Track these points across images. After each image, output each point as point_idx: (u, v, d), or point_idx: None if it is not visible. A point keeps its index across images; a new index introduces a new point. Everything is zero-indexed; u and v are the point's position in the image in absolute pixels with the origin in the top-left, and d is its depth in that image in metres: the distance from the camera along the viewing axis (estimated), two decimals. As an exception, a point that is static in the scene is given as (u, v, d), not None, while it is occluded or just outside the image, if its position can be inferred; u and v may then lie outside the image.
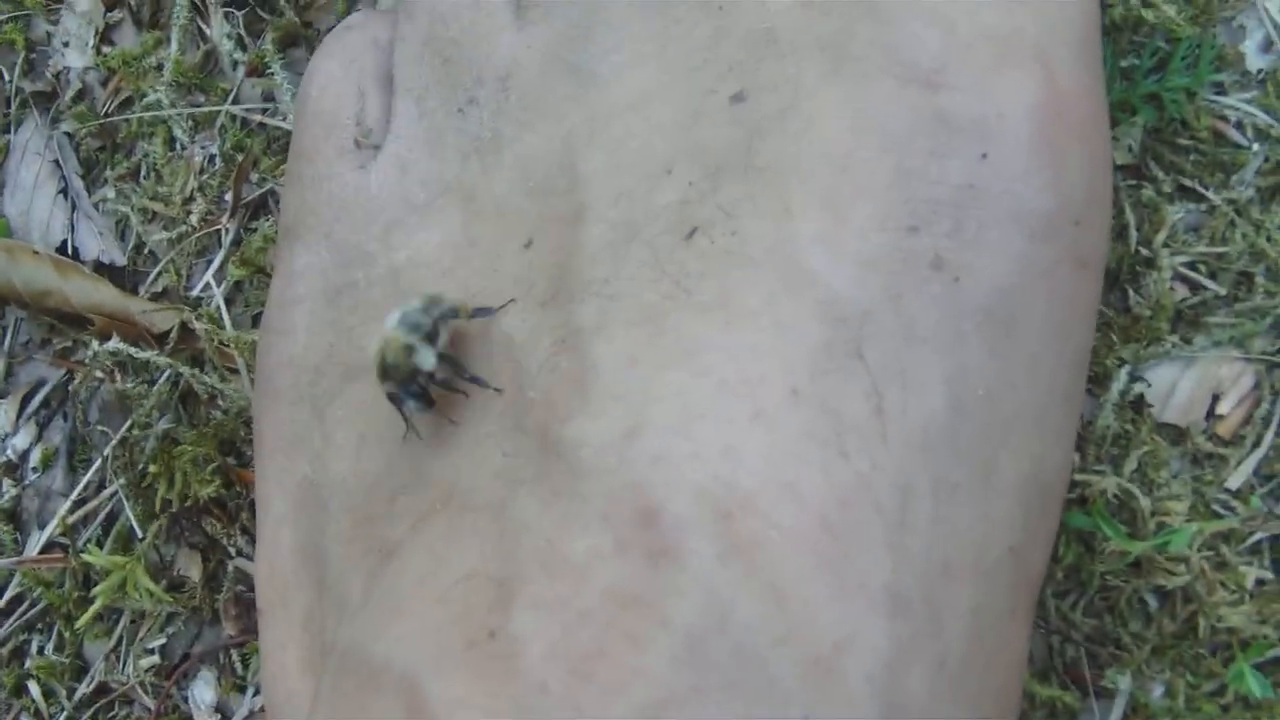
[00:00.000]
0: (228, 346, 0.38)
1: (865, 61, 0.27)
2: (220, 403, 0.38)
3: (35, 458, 0.41)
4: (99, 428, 0.40)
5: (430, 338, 0.27)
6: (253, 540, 0.38)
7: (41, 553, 0.40)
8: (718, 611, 0.23)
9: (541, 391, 0.26)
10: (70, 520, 0.40)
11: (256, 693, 0.38)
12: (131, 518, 0.39)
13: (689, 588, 0.23)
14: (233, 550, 0.38)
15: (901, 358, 0.25)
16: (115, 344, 0.38)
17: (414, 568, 0.27)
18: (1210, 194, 0.33)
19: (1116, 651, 0.33)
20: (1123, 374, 0.33)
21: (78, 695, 0.39)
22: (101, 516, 0.40)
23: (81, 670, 0.40)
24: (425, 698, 0.24)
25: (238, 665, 0.38)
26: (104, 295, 0.40)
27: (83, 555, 0.38)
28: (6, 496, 0.41)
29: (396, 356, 0.27)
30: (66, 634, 0.39)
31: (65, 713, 0.39)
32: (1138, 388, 0.33)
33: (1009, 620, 0.26)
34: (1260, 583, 0.33)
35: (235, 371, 0.38)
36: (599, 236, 0.28)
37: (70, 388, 0.41)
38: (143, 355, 0.38)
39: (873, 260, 0.25)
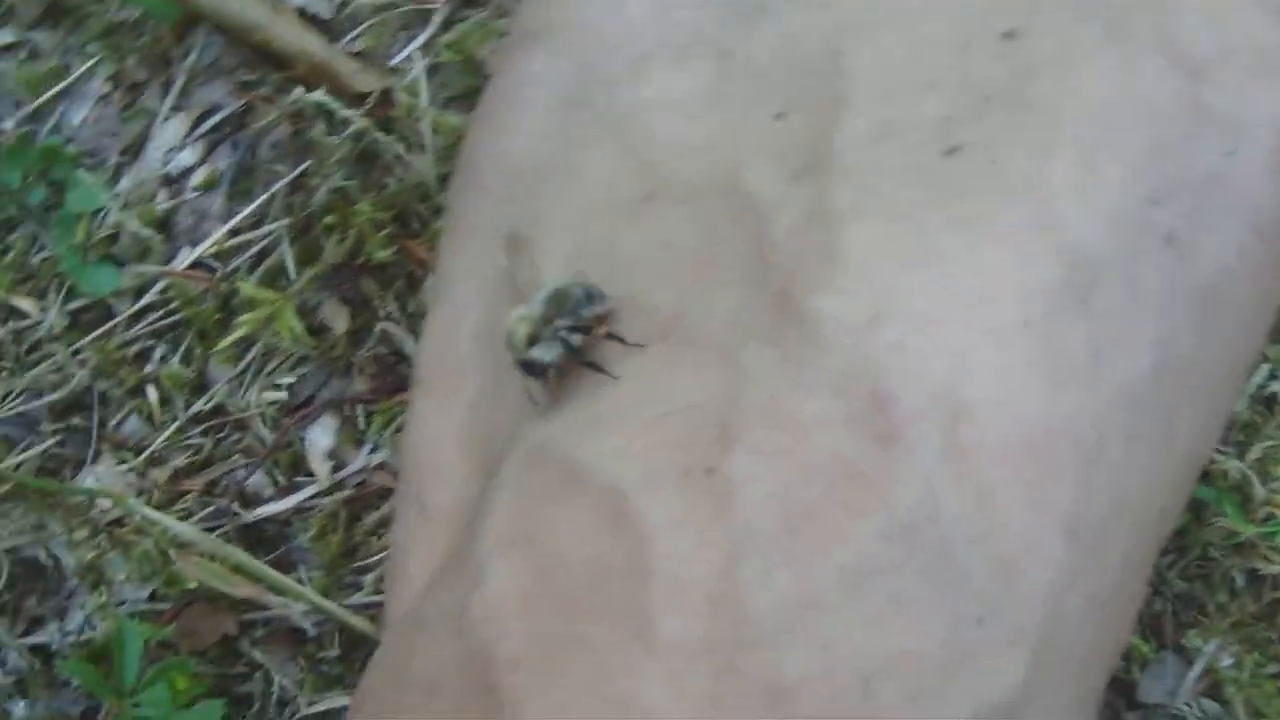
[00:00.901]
0: (419, 120, 0.39)
1: (1140, 38, 0.28)
2: (398, 173, 0.39)
3: (198, 177, 0.41)
4: (270, 165, 0.41)
5: (565, 329, 0.28)
6: (404, 309, 0.39)
7: (189, 268, 0.40)
8: (929, 502, 0.24)
9: (787, 258, 0.27)
10: (224, 246, 0.40)
11: (374, 449, 0.39)
12: (288, 259, 0.40)
13: (909, 475, 0.24)
14: (382, 314, 0.39)
15: (1122, 315, 0.26)
16: (321, 95, 0.39)
17: (626, 387, 0.28)
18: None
19: (1200, 617, 0.35)
20: (1264, 370, 0.35)
21: (194, 409, 0.40)
22: (253, 251, 0.40)
23: (201, 389, 0.41)
24: (632, 514, 0.25)
25: (360, 420, 0.39)
26: (311, 43, 0.40)
27: (236, 282, 0.39)
28: (161, 206, 0.41)
29: (522, 341, 0.28)
30: (197, 350, 0.40)
31: (178, 423, 0.40)
32: (1274, 385, 0.35)
33: (1142, 571, 0.29)
34: (1346, 587, 0.35)
35: (423, 148, 0.39)
36: (860, 128, 0.29)
37: (246, 120, 0.42)
38: (344, 111, 0.39)
39: (1116, 220, 0.26)
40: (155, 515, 0.38)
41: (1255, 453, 0.35)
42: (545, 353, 0.28)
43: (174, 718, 0.37)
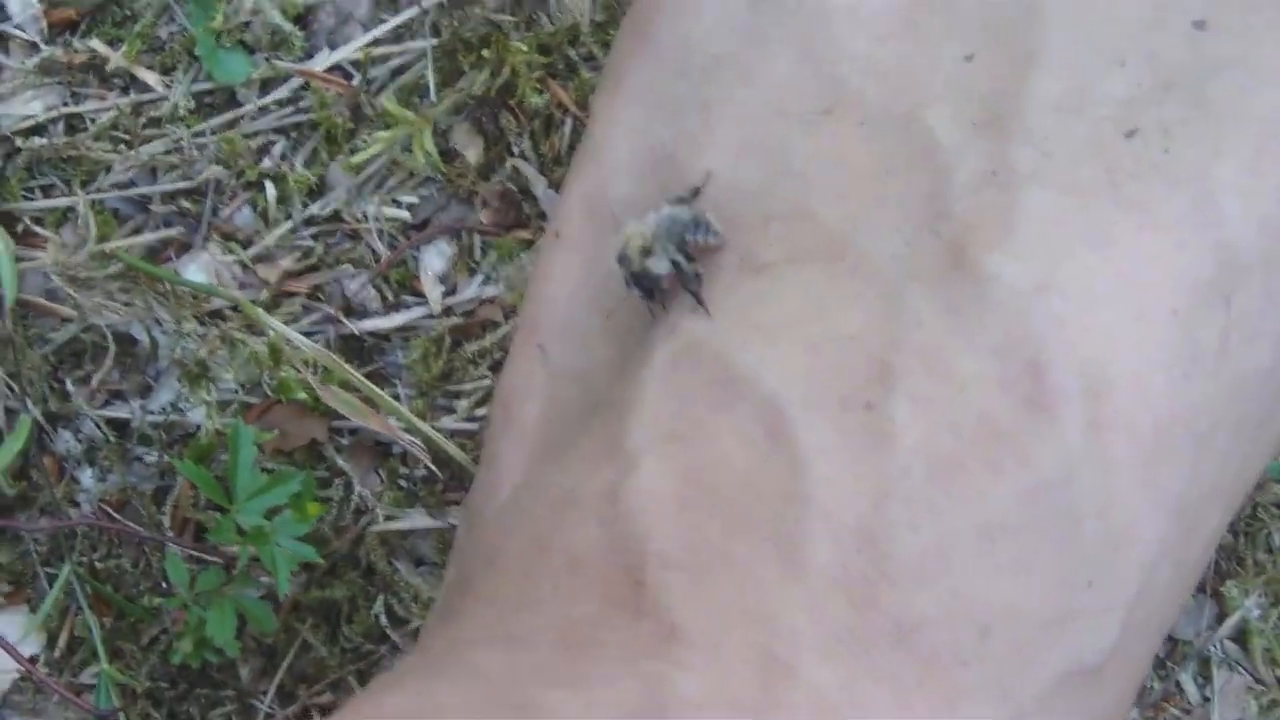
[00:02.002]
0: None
1: None
2: (552, 9, 0.39)
3: (346, -22, 0.40)
4: (421, -20, 0.40)
5: (676, 245, 0.29)
6: (537, 148, 0.39)
7: (327, 71, 0.40)
8: (1066, 472, 0.26)
9: (964, 208, 0.28)
10: (365, 54, 0.40)
11: (485, 282, 0.40)
12: (430, 80, 0.40)
13: (1051, 443, 0.26)
14: (516, 150, 0.39)
15: (1256, 315, 0.28)
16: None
17: (787, 300, 0.28)
18: None
19: (1238, 568, 0.38)
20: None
21: (309, 211, 0.41)
22: (392, 64, 0.40)
23: (317, 193, 0.41)
24: (790, 433, 0.26)
25: (477, 250, 0.40)
26: None
27: (374, 97, 0.39)
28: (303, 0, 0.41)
29: (636, 253, 0.29)
30: (323, 153, 0.40)
31: (291, 223, 0.41)
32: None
33: (1217, 539, 0.31)
34: (1376, 563, 0.38)
35: (585, -9, 0.39)
36: (1047, 90, 0.29)
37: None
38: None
39: (1268, 225, 0.28)
40: (276, 324, 0.38)
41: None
42: (657, 265, 0.29)
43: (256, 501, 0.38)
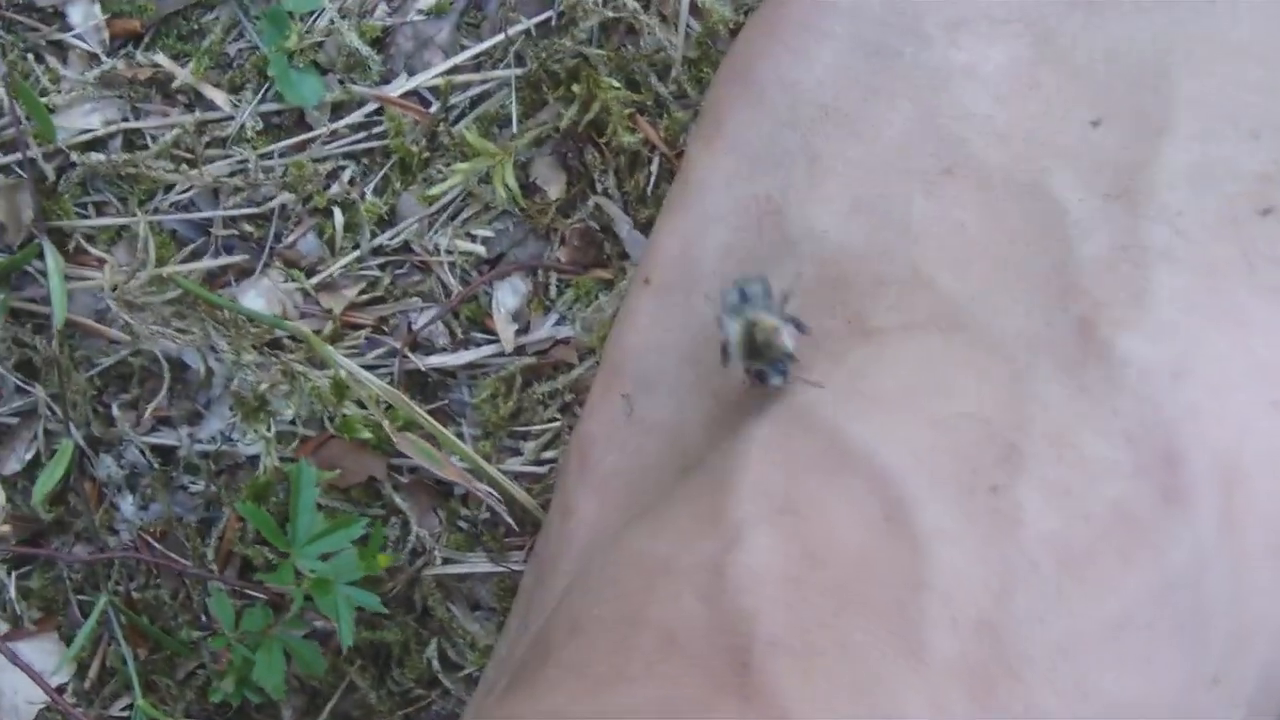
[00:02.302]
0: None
1: None
2: (644, 45, 0.37)
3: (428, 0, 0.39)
4: (506, 10, 0.39)
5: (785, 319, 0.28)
6: (620, 187, 0.38)
7: (403, 96, 0.39)
8: (1198, 566, 0.25)
9: (1095, 284, 0.27)
10: (445, 81, 0.39)
11: (559, 322, 0.39)
12: (513, 111, 0.38)
13: (1186, 536, 0.25)
14: (600, 187, 0.38)
15: None
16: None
17: (903, 370, 0.27)
18: None
19: None
20: None
21: (378, 240, 0.39)
22: (472, 92, 0.39)
23: (388, 222, 0.39)
24: (910, 514, 0.25)
25: (553, 289, 0.39)
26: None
27: (453, 126, 0.38)
28: (381, 22, 0.39)
29: (767, 337, 0.27)
30: (395, 181, 0.39)
31: (359, 252, 0.39)
32: None
33: None
34: None
35: (677, 26, 0.38)
36: (1181, 164, 0.28)
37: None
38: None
39: None
40: (344, 360, 0.37)
41: None
42: (787, 342, 0.27)
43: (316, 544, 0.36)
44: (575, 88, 0.37)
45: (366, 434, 0.37)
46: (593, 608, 0.29)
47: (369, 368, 0.39)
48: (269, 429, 0.38)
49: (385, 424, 0.35)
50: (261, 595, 0.39)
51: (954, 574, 0.25)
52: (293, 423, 0.39)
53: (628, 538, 0.30)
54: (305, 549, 0.36)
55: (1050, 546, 0.25)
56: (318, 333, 0.38)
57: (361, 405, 0.38)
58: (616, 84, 0.37)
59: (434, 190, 0.38)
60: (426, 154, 0.39)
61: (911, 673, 0.25)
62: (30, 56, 0.39)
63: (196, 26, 0.40)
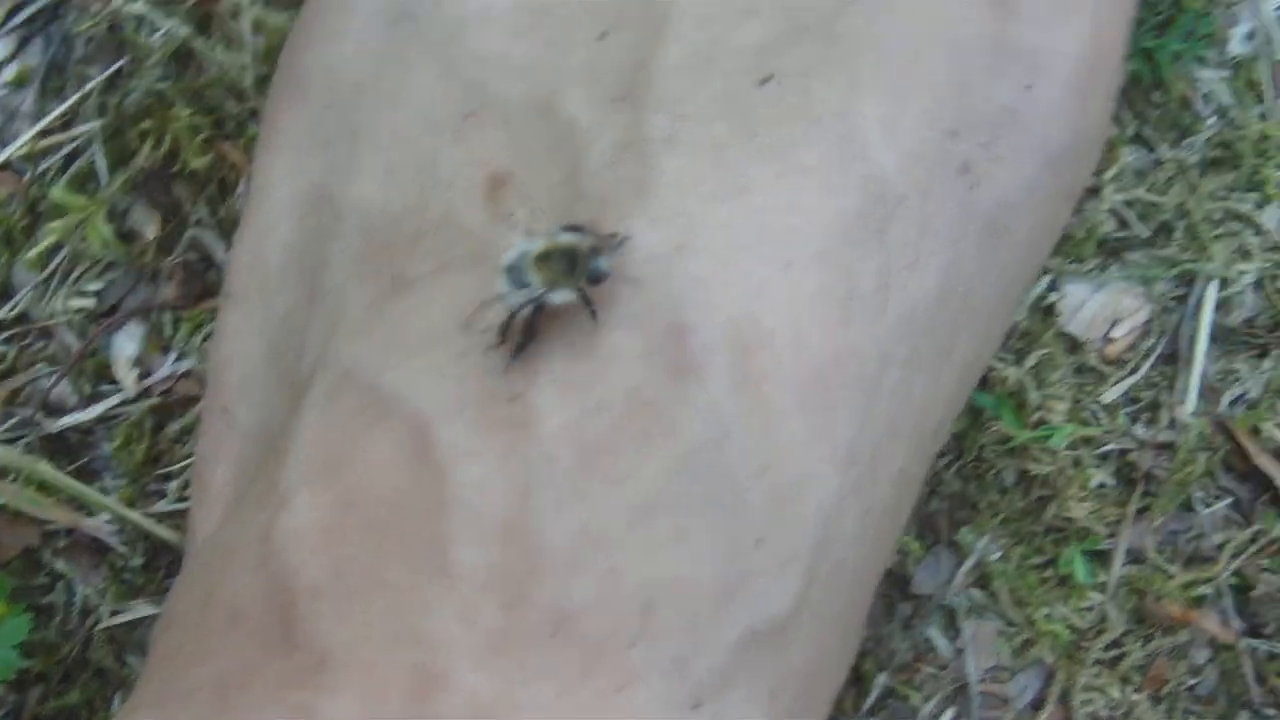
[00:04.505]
0: (240, 17, 0.39)
1: None
2: (215, 73, 0.39)
3: (9, 73, 0.40)
4: (83, 64, 0.40)
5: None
6: (214, 214, 0.39)
7: (-5, 171, 0.40)
8: (719, 433, 0.25)
9: (600, 185, 0.27)
10: (34, 147, 0.39)
11: (180, 358, 0.39)
12: (100, 162, 0.39)
13: (700, 407, 0.25)
14: (194, 219, 0.39)
15: (915, 243, 0.28)
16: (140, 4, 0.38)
17: (434, 309, 0.28)
18: (1162, 149, 0.38)
19: (972, 513, 0.38)
20: (1044, 280, 0.38)
21: (-4, 317, 0.40)
22: (63, 153, 0.40)
23: (4, 296, 0.40)
24: (436, 441, 0.25)
25: (167, 327, 0.39)
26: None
27: (45, 187, 0.39)
28: (-34, 106, 0.40)
29: (572, 245, 0.25)
30: (3, 256, 0.40)
31: (-22, 330, 0.40)
32: (1053, 296, 0.38)
33: (917, 481, 0.30)
34: (1102, 486, 0.38)
35: (242, 47, 0.39)
36: (678, 55, 0.29)
37: (61, 12, 0.41)
38: (162, 21, 0.38)
39: (917, 151, 0.28)
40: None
41: (1032, 360, 0.38)
42: (563, 295, 0.26)
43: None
44: (145, 124, 0.37)
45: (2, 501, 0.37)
46: (178, 603, 0.29)
47: (10, 440, 0.39)
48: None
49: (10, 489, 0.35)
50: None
51: (477, 488, 0.25)
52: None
53: (213, 533, 0.30)
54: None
55: (566, 441, 0.25)
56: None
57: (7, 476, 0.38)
58: (185, 112, 0.38)
59: (33, 253, 0.38)
60: (27, 221, 0.39)
61: (444, 591, 0.25)
62: None
63: None
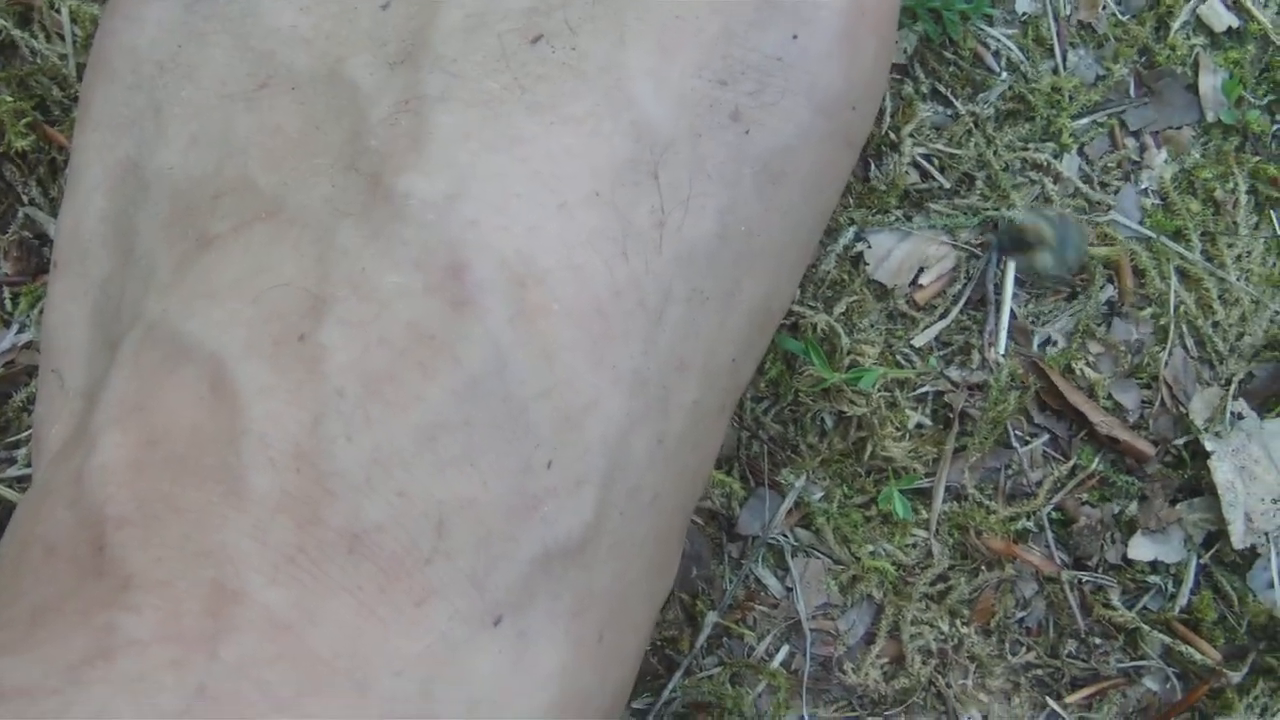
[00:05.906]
0: (58, 11, 0.40)
1: None
2: (38, 62, 0.39)
3: None
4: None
5: None
6: (46, 193, 0.39)
7: None
8: (498, 361, 0.27)
9: (380, 141, 0.29)
10: None
11: (20, 330, 0.40)
12: (-73, 145, 0.40)
13: (479, 337, 0.27)
14: (25, 199, 0.39)
15: (689, 186, 0.30)
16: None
17: (232, 263, 0.29)
18: (958, 104, 0.40)
19: (793, 456, 0.39)
20: (850, 232, 0.39)
21: None
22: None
23: None
24: (231, 380, 0.27)
25: (6, 302, 0.40)
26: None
27: None
28: None
29: None
30: None
31: None
32: (860, 246, 0.40)
33: (717, 416, 0.32)
34: (919, 426, 0.40)
35: (62, 37, 0.39)
36: (454, 19, 0.31)
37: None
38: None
39: (686, 100, 0.30)
40: None
41: (841, 307, 0.39)
42: None
43: None
44: (-32, 108, 0.38)
45: None
46: (6, 546, 0.30)
47: None
48: None
49: None
50: None
51: (269, 419, 0.27)
52: None
53: (34, 481, 0.31)
54: None
55: (353, 373, 0.27)
56: None
57: None
58: (10, 97, 0.38)
59: None
60: None
61: (238, 514, 0.26)
62: None
63: None
